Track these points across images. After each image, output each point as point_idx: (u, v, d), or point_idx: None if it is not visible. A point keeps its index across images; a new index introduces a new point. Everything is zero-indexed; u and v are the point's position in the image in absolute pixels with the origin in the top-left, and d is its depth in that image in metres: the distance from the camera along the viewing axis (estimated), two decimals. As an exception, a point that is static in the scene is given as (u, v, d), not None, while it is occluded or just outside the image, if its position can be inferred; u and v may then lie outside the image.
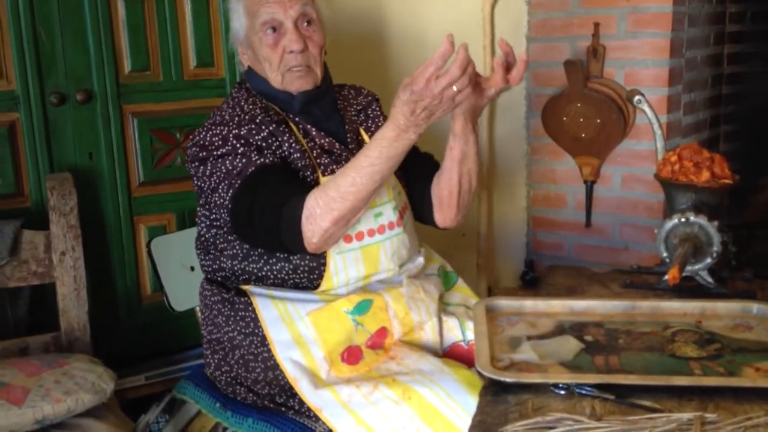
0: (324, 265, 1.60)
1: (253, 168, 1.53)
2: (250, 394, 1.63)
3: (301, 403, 1.54)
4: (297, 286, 1.63)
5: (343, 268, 1.61)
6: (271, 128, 1.60)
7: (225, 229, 1.63)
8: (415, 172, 1.76)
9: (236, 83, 1.79)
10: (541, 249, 2.89)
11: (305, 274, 1.61)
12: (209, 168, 1.58)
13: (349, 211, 1.44)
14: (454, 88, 1.31)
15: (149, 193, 2.20)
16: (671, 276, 1.52)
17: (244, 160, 1.54)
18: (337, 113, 1.76)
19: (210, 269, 1.71)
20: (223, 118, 1.62)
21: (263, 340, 1.59)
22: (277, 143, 1.59)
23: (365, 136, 1.76)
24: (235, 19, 1.71)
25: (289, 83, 1.66)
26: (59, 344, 1.95)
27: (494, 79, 1.47)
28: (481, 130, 2.80)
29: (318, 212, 1.43)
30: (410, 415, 1.43)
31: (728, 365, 1.30)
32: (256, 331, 1.60)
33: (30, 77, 2.00)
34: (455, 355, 1.65)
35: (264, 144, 1.57)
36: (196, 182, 1.64)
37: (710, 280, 1.71)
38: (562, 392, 1.21)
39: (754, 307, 1.53)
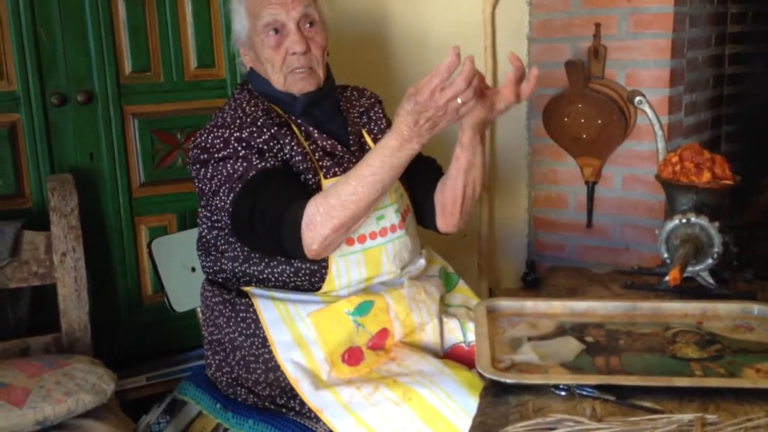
0: (326, 268, 1.59)
1: (254, 172, 1.52)
2: (251, 396, 1.63)
3: (302, 404, 1.54)
4: (298, 289, 1.63)
5: (345, 270, 1.60)
6: (272, 131, 1.60)
7: (226, 230, 1.63)
8: (418, 176, 1.75)
9: (238, 84, 1.78)
10: (542, 250, 2.89)
11: (306, 277, 1.61)
12: (210, 171, 1.57)
13: (349, 219, 1.44)
14: (459, 101, 1.30)
15: (150, 193, 2.20)
16: (672, 277, 1.52)
17: (245, 164, 1.53)
18: (340, 115, 1.75)
19: (211, 271, 1.71)
20: (224, 120, 1.62)
21: (264, 342, 1.59)
22: (279, 146, 1.59)
23: (368, 138, 1.76)
24: (236, 20, 1.70)
25: (291, 85, 1.66)
26: (60, 345, 1.95)
27: (504, 94, 1.46)
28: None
29: (318, 219, 1.43)
30: (411, 416, 1.43)
31: (729, 366, 1.30)
32: (257, 332, 1.60)
33: (31, 78, 2.00)
34: (456, 357, 1.65)
35: (265, 147, 1.57)
36: (197, 184, 1.64)
37: (711, 281, 1.71)
38: (563, 393, 1.21)
39: (755, 308, 1.53)
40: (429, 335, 1.65)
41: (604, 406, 1.17)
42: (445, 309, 1.73)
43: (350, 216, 1.43)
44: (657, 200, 2.53)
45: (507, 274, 2.99)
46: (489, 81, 2.76)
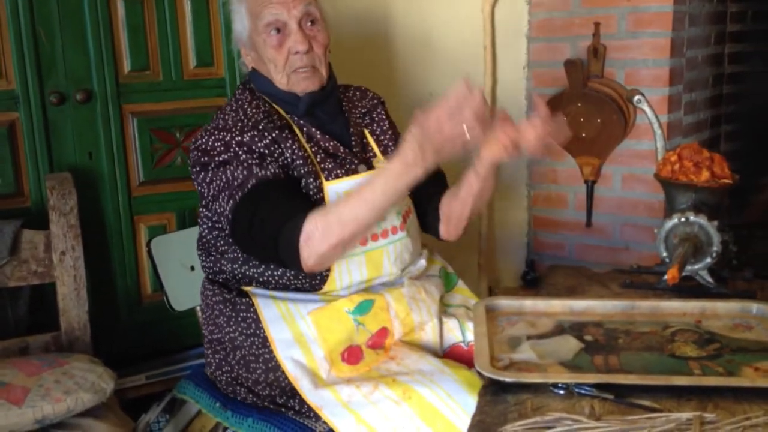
0: (327, 270, 1.59)
1: (254, 181, 1.51)
2: (251, 395, 1.63)
3: (302, 403, 1.54)
4: (299, 290, 1.62)
5: (347, 272, 1.60)
6: (274, 135, 1.58)
7: (226, 231, 1.62)
8: (421, 182, 1.74)
9: (240, 84, 1.77)
10: (542, 249, 2.89)
11: (307, 279, 1.60)
12: (210, 175, 1.56)
13: (347, 238, 1.42)
14: (466, 133, 1.28)
15: (149, 192, 2.20)
16: (671, 276, 1.52)
17: (245, 172, 1.52)
18: (342, 115, 1.74)
19: (211, 271, 1.71)
20: (226, 122, 1.60)
21: (264, 342, 1.59)
22: (280, 150, 1.58)
23: (370, 139, 1.76)
24: (237, 20, 1.69)
25: (294, 84, 1.65)
26: (59, 344, 1.95)
27: (527, 138, 1.44)
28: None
29: (317, 236, 1.41)
30: (410, 415, 1.43)
31: (727, 365, 1.30)
32: (258, 332, 1.60)
33: (30, 77, 2.00)
34: (455, 356, 1.65)
35: (266, 151, 1.56)
36: (197, 187, 1.63)
37: (710, 279, 1.71)
38: (562, 392, 1.21)
39: (754, 306, 1.53)
40: (428, 334, 1.65)
41: (603, 404, 1.17)
42: (444, 309, 1.73)
43: (349, 235, 1.41)
44: (656, 199, 2.53)
45: (507, 273, 2.99)
46: (488, 80, 2.76)
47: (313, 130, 1.65)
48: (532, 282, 2.84)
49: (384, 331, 1.60)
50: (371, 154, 1.73)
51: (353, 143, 1.70)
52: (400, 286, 1.66)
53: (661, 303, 1.56)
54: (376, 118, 1.80)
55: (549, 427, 1.11)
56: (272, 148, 1.57)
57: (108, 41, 2.09)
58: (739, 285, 1.74)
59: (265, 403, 1.61)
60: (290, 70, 1.64)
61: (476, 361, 1.29)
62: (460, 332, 1.68)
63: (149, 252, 1.93)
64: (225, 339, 1.66)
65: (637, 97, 1.85)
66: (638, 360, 1.33)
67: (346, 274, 1.60)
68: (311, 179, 1.58)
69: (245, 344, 1.62)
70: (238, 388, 1.66)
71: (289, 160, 1.58)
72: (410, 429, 1.42)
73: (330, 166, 1.62)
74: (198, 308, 1.89)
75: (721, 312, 1.53)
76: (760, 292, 1.67)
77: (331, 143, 1.65)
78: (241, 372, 1.64)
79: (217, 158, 1.55)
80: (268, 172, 1.53)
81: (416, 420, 1.42)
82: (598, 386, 1.20)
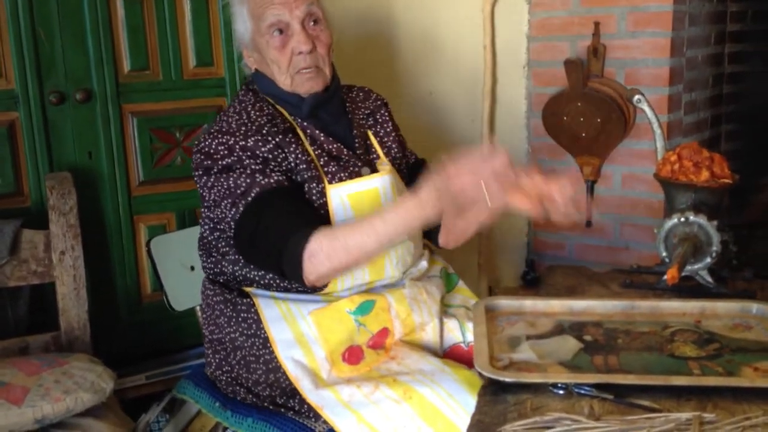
0: None
1: (257, 189, 1.50)
2: (250, 395, 1.63)
3: (301, 403, 1.54)
4: (300, 292, 1.62)
5: (349, 275, 1.59)
6: (277, 139, 1.57)
7: (228, 233, 1.62)
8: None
9: (243, 85, 1.75)
10: (542, 249, 2.89)
11: None
12: (212, 180, 1.55)
13: (351, 264, 1.41)
14: (487, 199, 1.27)
15: (149, 192, 2.21)
16: (670, 275, 1.52)
17: (248, 180, 1.51)
18: (345, 116, 1.73)
19: (212, 272, 1.70)
20: (229, 126, 1.59)
21: (265, 342, 1.59)
22: (283, 155, 1.57)
23: (374, 140, 1.75)
24: (239, 22, 1.67)
25: (298, 85, 1.63)
26: (59, 344, 1.95)
27: (553, 200, 1.31)
28: (481, 129, 2.81)
29: (321, 257, 1.40)
30: (411, 415, 1.43)
31: (727, 365, 1.30)
32: (259, 333, 1.60)
33: (29, 77, 2.00)
34: (455, 356, 1.65)
35: (270, 156, 1.55)
36: (199, 190, 1.62)
37: (710, 279, 1.71)
38: (561, 392, 1.21)
39: (754, 306, 1.53)
40: (429, 335, 1.65)
41: (602, 404, 1.17)
42: (444, 309, 1.73)
43: (352, 262, 1.41)
44: (656, 199, 2.52)
45: (507, 273, 2.99)
46: (488, 80, 2.76)
47: (317, 132, 1.64)
48: (532, 282, 2.84)
49: (385, 332, 1.60)
50: (374, 155, 1.73)
51: (357, 145, 1.70)
52: (402, 287, 1.66)
53: (661, 303, 1.56)
54: (380, 120, 1.79)
55: (548, 427, 1.11)
56: (276, 153, 1.56)
57: (108, 41, 2.09)
58: (739, 285, 1.74)
59: (265, 404, 1.61)
60: (294, 71, 1.62)
61: (476, 360, 1.29)
62: (460, 332, 1.68)
63: (149, 252, 1.92)
64: (225, 339, 1.66)
65: (637, 97, 1.85)
66: (638, 360, 1.33)
67: (348, 277, 1.60)
68: (314, 183, 1.58)
69: (246, 345, 1.62)
70: (238, 388, 1.66)
71: (292, 164, 1.57)
72: (411, 428, 1.43)
73: (333, 169, 1.61)
74: (198, 308, 1.89)
75: (721, 312, 1.53)
76: (760, 292, 1.67)
77: (335, 146, 1.64)
78: (241, 372, 1.63)
79: (220, 162, 1.55)
80: (272, 180, 1.52)
81: (417, 420, 1.43)
82: (598, 386, 1.20)
